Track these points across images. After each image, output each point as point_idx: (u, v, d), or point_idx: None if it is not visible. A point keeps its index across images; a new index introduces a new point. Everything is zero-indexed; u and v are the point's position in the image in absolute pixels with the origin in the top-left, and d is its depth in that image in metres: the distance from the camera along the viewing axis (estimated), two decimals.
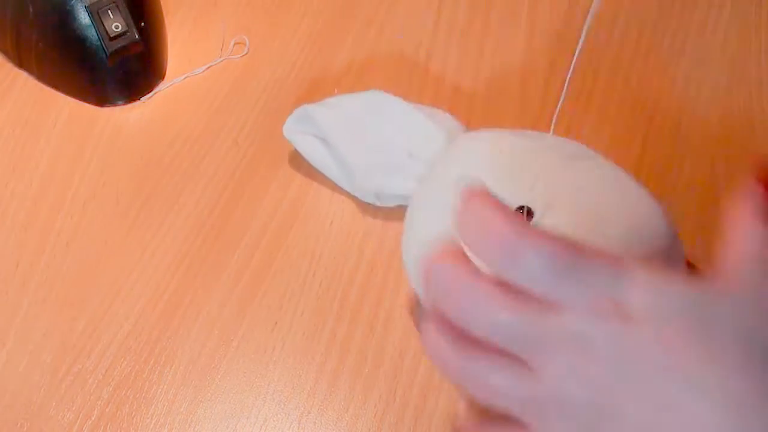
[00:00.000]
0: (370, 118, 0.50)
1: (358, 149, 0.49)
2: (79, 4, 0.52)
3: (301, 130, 0.51)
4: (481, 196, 0.34)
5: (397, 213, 0.51)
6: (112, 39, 0.53)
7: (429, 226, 0.45)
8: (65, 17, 0.52)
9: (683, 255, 0.43)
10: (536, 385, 0.33)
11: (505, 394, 0.33)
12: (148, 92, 0.56)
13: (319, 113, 0.50)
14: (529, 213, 0.42)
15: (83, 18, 0.52)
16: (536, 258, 0.32)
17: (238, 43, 0.58)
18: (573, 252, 0.32)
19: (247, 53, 0.57)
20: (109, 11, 0.53)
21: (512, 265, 0.33)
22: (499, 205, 0.33)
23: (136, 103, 0.55)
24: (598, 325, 0.32)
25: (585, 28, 0.41)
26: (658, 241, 0.42)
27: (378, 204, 0.51)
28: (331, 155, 0.50)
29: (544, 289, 0.33)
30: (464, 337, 0.34)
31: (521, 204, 0.42)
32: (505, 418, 0.33)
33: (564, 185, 0.43)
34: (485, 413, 0.35)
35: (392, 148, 0.49)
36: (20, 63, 0.56)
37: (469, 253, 0.34)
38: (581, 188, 0.43)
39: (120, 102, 0.55)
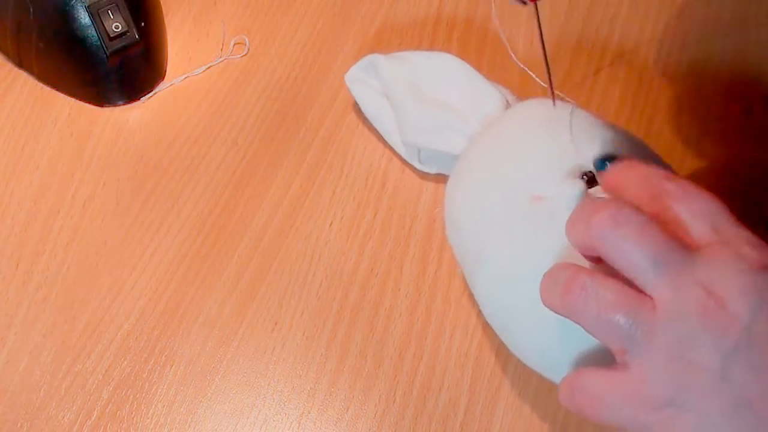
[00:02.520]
0: (433, 76, 0.51)
1: (416, 102, 0.50)
2: (79, 4, 0.52)
3: (362, 80, 0.53)
4: (588, 203, 0.36)
5: (396, 213, 0.51)
6: (112, 39, 0.53)
7: (477, 180, 0.45)
8: (65, 17, 0.52)
9: None
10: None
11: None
12: (148, 92, 0.56)
13: (384, 63, 0.52)
14: (594, 180, 0.42)
15: (83, 18, 0.52)
16: (639, 248, 0.33)
17: (238, 43, 0.58)
18: (672, 245, 0.33)
19: (247, 53, 0.57)
20: (109, 11, 0.53)
21: (617, 252, 0.34)
22: (605, 204, 0.35)
23: (136, 103, 0.55)
24: (701, 327, 0.32)
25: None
26: None
27: (418, 167, 0.52)
28: (386, 108, 0.52)
29: (646, 279, 0.33)
30: None
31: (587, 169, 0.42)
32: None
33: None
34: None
35: (449, 106, 0.50)
36: (20, 63, 0.56)
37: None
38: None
39: (120, 102, 0.55)
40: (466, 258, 0.45)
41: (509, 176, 0.43)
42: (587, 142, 0.42)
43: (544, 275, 0.37)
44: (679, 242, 0.34)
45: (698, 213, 0.35)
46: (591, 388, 0.35)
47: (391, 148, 0.53)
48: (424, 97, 0.50)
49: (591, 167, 0.41)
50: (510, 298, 0.42)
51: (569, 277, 0.35)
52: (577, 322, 0.35)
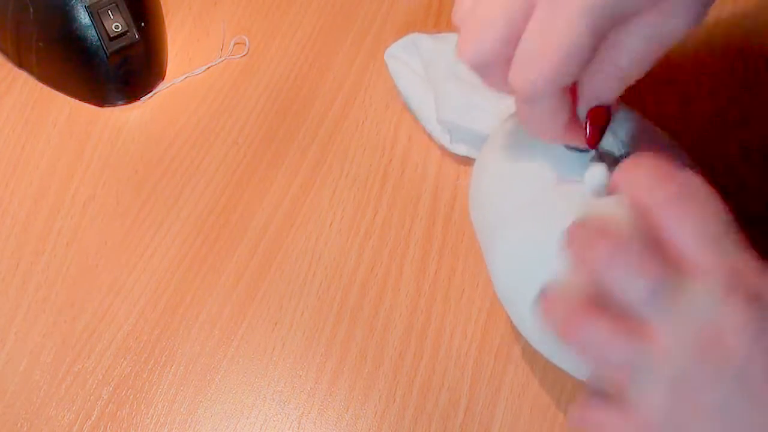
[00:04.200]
0: None
1: (453, 81, 0.50)
2: (79, 4, 0.52)
3: (400, 57, 0.54)
4: (587, 227, 0.35)
5: (396, 213, 0.51)
6: (112, 39, 0.53)
7: (504, 159, 0.45)
8: (65, 17, 0.52)
9: None
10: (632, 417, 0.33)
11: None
12: (148, 92, 0.56)
13: (426, 41, 0.53)
14: (617, 159, 0.41)
15: (83, 18, 0.52)
16: (640, 280, 0.33)
17: (238, 43, 0.58)
18: (672, 276, 0.33)
19: (247, 53, 0.57)
20: (109, 11, 0.53)
21: (620, 282, 0.34)
22: (604, 233, 0.35)
23: (136, 103, 0.55)
24: (699, 361, 0.32)
25: None
26: None
27: (447, 146, 0.52)
28: (421, 87, 0.52)
29: (644, 311, 0.33)
30: None
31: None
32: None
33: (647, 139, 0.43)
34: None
35: (486, 87, 0.50)
36: (20, 63, 0.56)
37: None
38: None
39: (120, 102, 0.55)
40: (485, 234, 0.45)
41: (536, 158, 0.44)
42: (617, 131, 0.42)
43: (539, 299, 0.37)
44: (677, 272, 0.33)
45: (698, 231, 0.34)
46: (599, 422, 0.35)
47: (392, 152, 0.53)
48: (462, 77, 0.50)
49: (617, 154, 0.42)
50: (519, 277, 0.42)
51: (568, 313, 0.35)
52: (577, 354, 0.35)
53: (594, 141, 0.40)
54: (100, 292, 0.48)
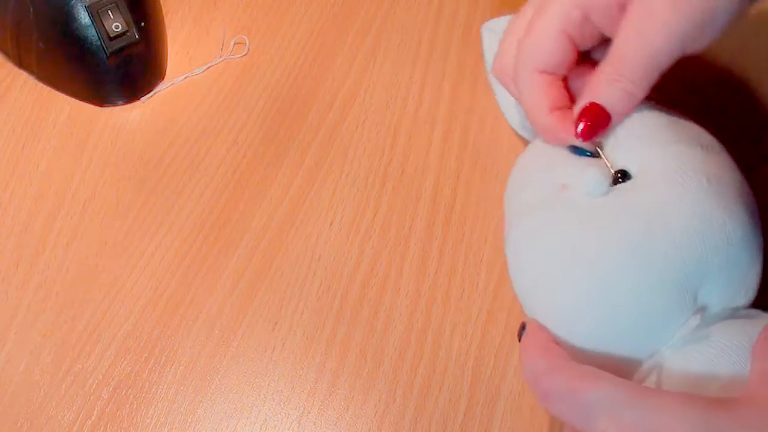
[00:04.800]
0: None
1: None
2: (79, 4, 0.52)
3: (496, 32, 0.54)
4: (534, 337, 0.38)
5: (396, 213, 0.51)
6: (112, 39, 0.53)
7: (527, 162, 0.46)
8: (65, 17, 0.52)
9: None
10: None
11: None
12: (148, 92, 0.56)
13: None
14: (625, 176, 0.41)
15: (83, 18, 0.52)
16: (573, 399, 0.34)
17: (238, 43, 0.58)
18: (597, 387, 0.34)
19: (247, 53, 0.57)
20: (109, 11, 0.53)
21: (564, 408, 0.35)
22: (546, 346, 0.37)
23: (136, 103, 0.55)
24: None
25: None
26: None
27: (520, 132, 0.52)
28: None
29: (581, 424, 0.34)
30: None
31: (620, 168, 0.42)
32: None
33: (665, 159, 0.41)
34: None
35: None
36: (20, 63, 0.56)
37: None
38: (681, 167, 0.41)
39: (120, 102, 0.55)
40: (506, 224, 0.45)
41: (549, 161, 0.43)
42: (629, 138, 0.42)
43: (520, 333, 0.40)
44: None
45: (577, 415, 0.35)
46: None
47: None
48: None
49: (624, 165, 0.41)
50: (522, 275, 0.43)
51: (541, 367, 0.36)
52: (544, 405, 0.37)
53: (584, 135, 0.41)
54: (100, 292, 0.48)
